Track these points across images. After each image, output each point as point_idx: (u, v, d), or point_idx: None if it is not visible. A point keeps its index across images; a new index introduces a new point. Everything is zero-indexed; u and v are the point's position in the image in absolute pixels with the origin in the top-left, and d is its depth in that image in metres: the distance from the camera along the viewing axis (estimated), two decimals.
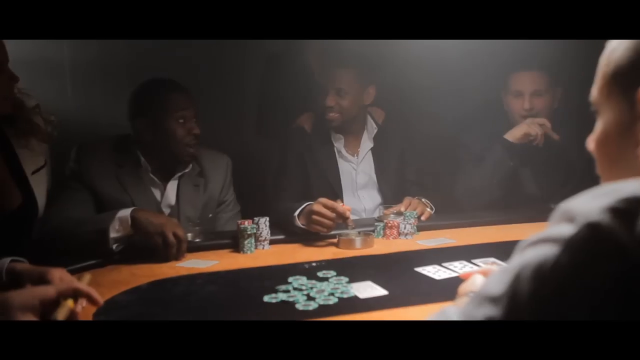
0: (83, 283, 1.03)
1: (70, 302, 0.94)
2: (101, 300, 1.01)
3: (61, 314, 0.91)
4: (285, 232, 1.88)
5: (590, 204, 0.55)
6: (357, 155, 2.30)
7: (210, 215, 2.03)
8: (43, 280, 1.19)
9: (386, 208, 2.09)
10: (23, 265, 1.29)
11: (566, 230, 0.55)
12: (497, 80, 2.33)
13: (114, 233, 1.64)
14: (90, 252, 1.60)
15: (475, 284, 1.05)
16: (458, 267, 1.51)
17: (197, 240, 1.82)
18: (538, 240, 0.58)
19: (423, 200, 2.07)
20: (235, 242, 1.79)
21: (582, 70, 2.23)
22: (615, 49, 0.70)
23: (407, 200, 2.04)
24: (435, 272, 1.49)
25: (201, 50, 2.69)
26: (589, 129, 0.84)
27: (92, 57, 2.75)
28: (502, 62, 2.29)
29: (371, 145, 2.29)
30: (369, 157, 2.30)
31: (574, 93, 2.27)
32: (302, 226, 1.84)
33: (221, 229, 2.05)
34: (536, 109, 2.19)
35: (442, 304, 1.21)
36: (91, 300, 0.99)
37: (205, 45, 2.62)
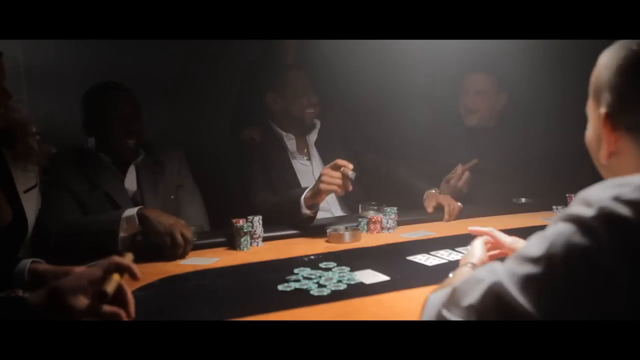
0: (127, 259, 1.07)
1: (116, 276, 1.00)
2: (140, 274, 1.05)
3: (110, 287, 0.97)
4: (290, 220, 2.02)
5: (602, 193, 0.70)
6: (309, 154, 2.46)
7: (173, 197, 2.19)
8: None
9: (364, 207, 2.23)
10: (45, 265, 1.33)
11: (585, 211, 0.70)
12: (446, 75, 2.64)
13: (122, 233, 1.71)
14: (95, 253, 1.64)
15: (474, 256, 1.21)
16: (445, 255, 1.67)
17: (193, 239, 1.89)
18: (567, 217, 0.72)
19: (433, 191, 2.25)
20: (229, 241, 1.88)
21: (530, 75, 2.53)
22: (596, 68, 0.86)
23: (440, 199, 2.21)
24: (425, 259, 1.64)
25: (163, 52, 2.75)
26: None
27: (50, 58, 2.73)
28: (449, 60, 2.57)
29: (315, 137, 2.47)
30: (316, 153, 2.47)
31: (522, 96, 2.55)
32: (307, 212, 1.97)
33: (185, 211, 2.19)
34: (476, 106, 2.52)
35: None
36: (132, 274, 1.04)
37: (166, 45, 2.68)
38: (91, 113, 2.08)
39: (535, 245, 0.73)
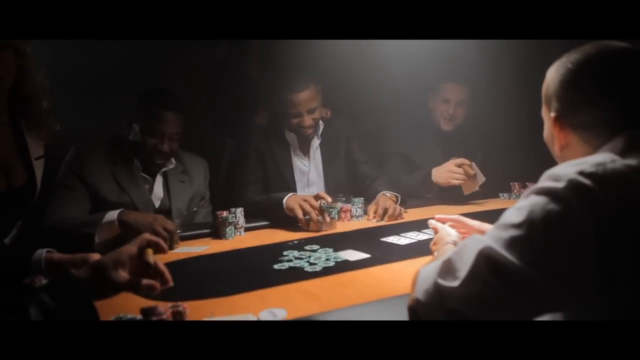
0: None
1: (150, 250, 1.13)
2: (167, 248, 1.18)
3: (151, 258, 1.11)
4: (271, 218, 2.16)
5: (568, 169, 0.91)
6: (308, 156, 2.55)
7: (195, 209, 2.26)
8: (85, 262, 1.34)
9: (333, 198, 2.41)
10: (59, 255, 1.42)
11: (556, 184, 0.89)
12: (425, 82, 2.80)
13: (100, 238, 1.79)
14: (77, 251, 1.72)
15: (450, 234, 1.39)
16: (414, 236, 1.88)
17: (178, 231, 2.01)
18: (539, 191, 0.90)
19: (388, 194, 2.33)
20: (213, 232, 2.02)
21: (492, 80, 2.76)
22: (545, 81, 1.09)
23: (380, 200, 2.28)
24: (397, 240, 1.84)
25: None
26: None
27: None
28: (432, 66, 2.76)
29: (319, 141, 2.55)
30: (319, 154, 2.56)
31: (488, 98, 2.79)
32: (287, 213, 2.11)
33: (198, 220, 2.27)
34: (456, 115, 2.69)
35: (416, 260, 1.58)
36: (161, 248, 1.16)
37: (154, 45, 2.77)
38: (142, 115, 2.05)
39: (514, 215, 0.91)
